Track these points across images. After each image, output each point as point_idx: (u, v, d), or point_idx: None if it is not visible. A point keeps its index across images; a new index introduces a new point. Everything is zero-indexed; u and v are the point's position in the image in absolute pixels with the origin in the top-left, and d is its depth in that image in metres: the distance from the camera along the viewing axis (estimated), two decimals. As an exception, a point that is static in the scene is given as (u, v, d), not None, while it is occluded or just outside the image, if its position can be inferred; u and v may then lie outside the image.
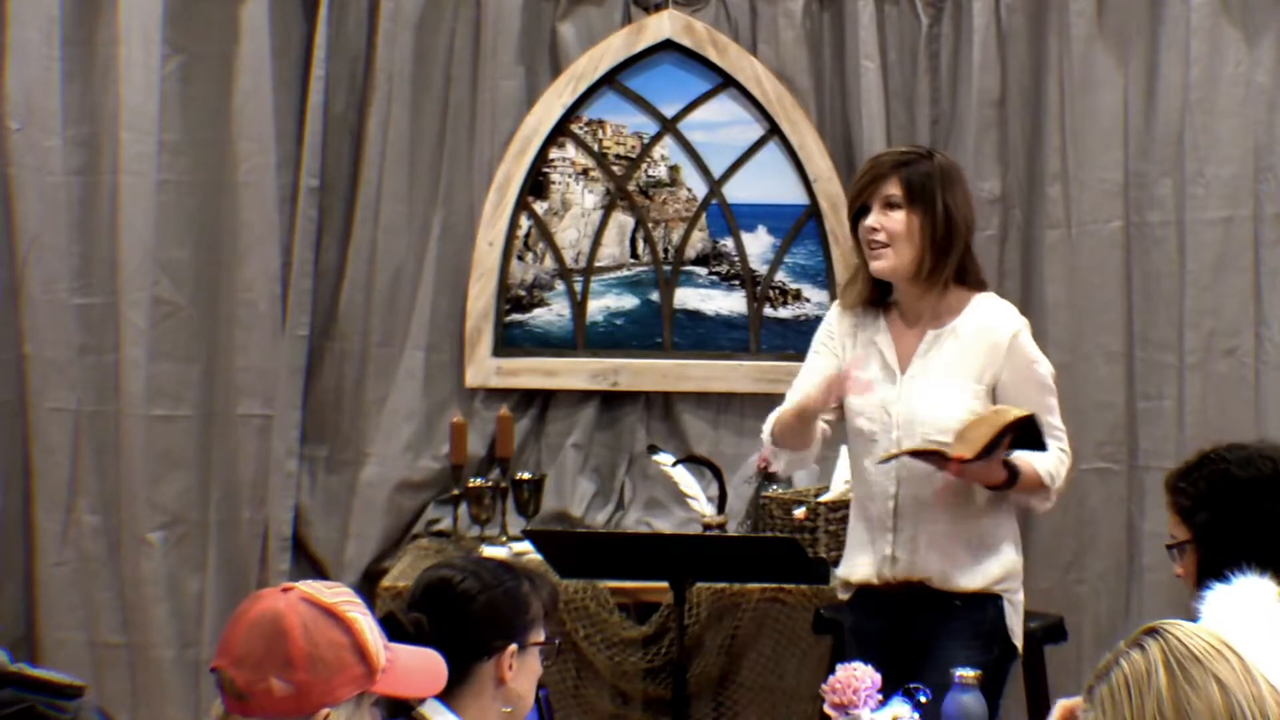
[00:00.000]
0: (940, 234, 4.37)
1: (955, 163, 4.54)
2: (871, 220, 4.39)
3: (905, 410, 4.37)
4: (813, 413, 4.40)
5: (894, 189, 4.38)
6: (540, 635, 3.37)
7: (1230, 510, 3.56)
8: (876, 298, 4.50)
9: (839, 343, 4.53)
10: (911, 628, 4.41)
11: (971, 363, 4.38)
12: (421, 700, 3.16)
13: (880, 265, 4.40)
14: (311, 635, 2.57)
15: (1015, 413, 4.23)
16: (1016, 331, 4.41)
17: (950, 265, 4.40)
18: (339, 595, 2.65)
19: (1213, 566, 3.45)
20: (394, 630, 2.96)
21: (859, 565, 4.50)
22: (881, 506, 4.42)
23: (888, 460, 4.35)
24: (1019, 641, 4.48)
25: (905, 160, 4.42)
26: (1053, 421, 4.40)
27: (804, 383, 4.50)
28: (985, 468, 4.26)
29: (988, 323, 4.41)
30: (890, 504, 4.41)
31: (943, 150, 4.63)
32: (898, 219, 4.38)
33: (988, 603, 4.41)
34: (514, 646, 3.30)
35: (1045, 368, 4.44)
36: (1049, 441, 4.34)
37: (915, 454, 4.30)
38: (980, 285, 4.48)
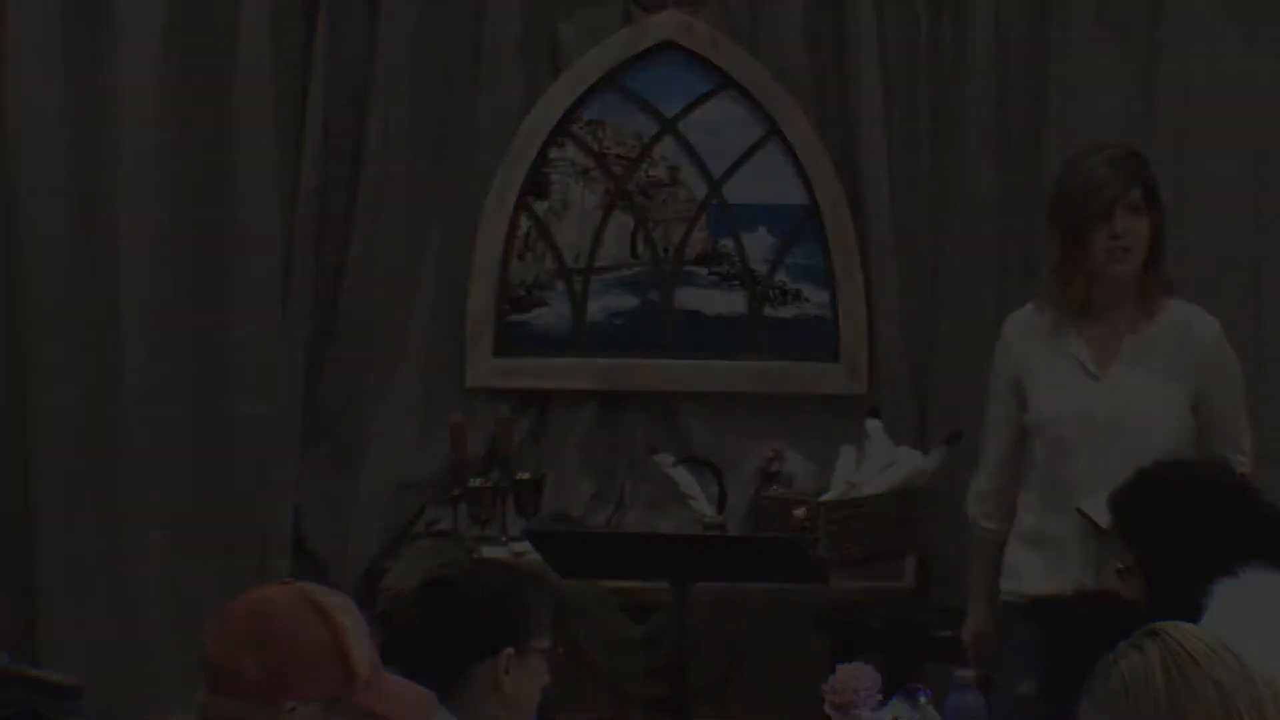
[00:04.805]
0: (1163, 235, 4.32)
1: None
2: (1120, 226, 4.26)
3: (1110, 414, 4.29)
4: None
5: (1137, 192, 4.29)
6: (543, 640, 3.33)
7: (1180, 534, 3.51)
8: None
9: (1017, 366, 4.40)
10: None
11: (1176, 367, 4.32)
12: None
13: (1125, 269, 4.29)
14: (295, 625, 2.58)
15: None
16: (1219, 334, 4.36)
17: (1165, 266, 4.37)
18: (334, 600, 2.65)
19: (1166, 590, 3.45)
20: (387, 629, 2.94)
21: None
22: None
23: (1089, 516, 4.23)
24: None
25: (1141, 162, 4.35)
26: (1242, 426, 4.37)
27: (997, 437, 4.45)
28: None
29: (1190, 326, 4.35)
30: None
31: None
32: (1142, 224, 4.29)
33: None
34: (510, 650, 3.27)
35: (1240, 369, 4.41)
36: (1239, 456, 4.29)
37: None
38: (1171, 288, 4.40)
